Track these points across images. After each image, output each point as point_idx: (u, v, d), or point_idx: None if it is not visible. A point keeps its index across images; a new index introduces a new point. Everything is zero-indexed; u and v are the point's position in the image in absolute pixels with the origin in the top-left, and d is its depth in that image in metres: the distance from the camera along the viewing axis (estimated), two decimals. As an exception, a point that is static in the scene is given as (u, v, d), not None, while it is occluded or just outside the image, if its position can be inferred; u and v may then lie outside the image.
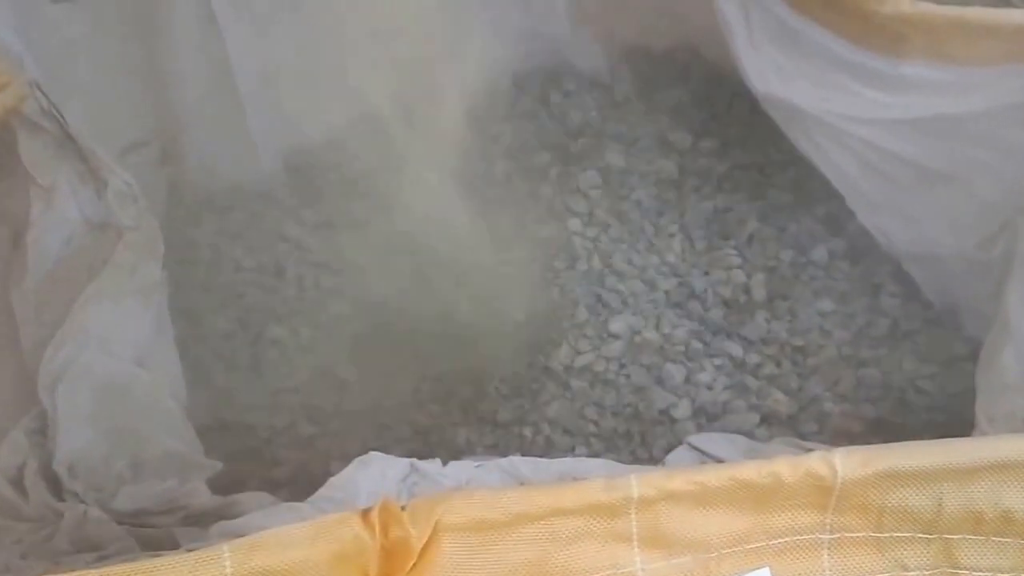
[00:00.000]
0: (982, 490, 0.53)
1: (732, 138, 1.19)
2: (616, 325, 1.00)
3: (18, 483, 0.80)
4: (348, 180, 1.21)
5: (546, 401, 0.97)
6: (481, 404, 0.99)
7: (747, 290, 1.02)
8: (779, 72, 0.99)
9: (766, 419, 0.93)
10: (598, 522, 0.51)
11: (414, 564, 0.51)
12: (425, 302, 1.06)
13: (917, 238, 1.03)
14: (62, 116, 0.82)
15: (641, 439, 0.93)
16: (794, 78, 0.98)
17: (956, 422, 0.91)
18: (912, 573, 0.55)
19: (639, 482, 0.50)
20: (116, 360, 0.85)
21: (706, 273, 1.04)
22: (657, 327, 0.99)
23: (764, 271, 1.04)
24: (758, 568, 0.53)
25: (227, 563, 0.46)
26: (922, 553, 0.55)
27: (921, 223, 1.01)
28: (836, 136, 0.99)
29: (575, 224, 1.12)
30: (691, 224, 1.09)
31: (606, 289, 1.03)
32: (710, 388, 0.94)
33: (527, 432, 0.95)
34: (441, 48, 1.06)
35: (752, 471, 0.51)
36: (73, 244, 0.86)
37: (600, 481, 0.50)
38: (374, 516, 0.51)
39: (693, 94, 1.25)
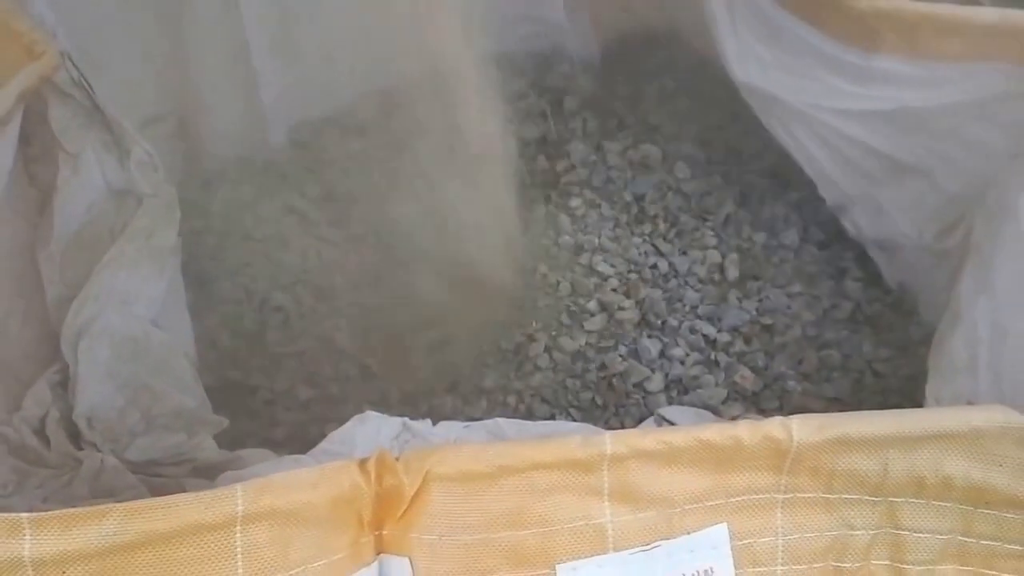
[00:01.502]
0: (925, 457, 0.55)
1: (714, 124, 1.21)
2: (597, 301, 1.02)
3: (40, 432, 0.83)
4: (351, 155, 1.22)
5: (529, 372, 0.99)
6: (468, 373, 1.01)
7: (721, 269, 1.04)
8: (758, 62, 1.01)
9: (733, 394, 0.95)
10: (573, 476, 0.53)
11: (405, 510, 0.54)
12: (418, 276, 1.08)
13: (881, 226, 1.05)
14: (90, 87, 0.84)
15: (615, 410, 0.95)
16: (772, 68, 0.99)
17: (908, 404, 0.94)
18: (858, 532, 0.57)
19: (612, 440, 0.52)
20: (133, 320, 0.87)
21: (684, 252, 1.06)
22: (637, 303, 1.01)
23: (738, 252, 1.06)
24: (717, 524, 0.55)
25: (239, 501, 0.49)
26: (868, 514, 0.57)
27: (886, 212, 1.03)
28: (809, 125, 1.01)
29: (564, 202, 1.14)
30: (672, 205, 1.11)
31: (590, 265, 1.06)
32: (682, 363, 0.96)
33: (511, 400, 0.97)
34: (443, 30, 1.08)
35: (715, 433, 0.53)
36: (96, 209, 0.88)
37: (577, 438, 0.53)
38: (370, 465, 0.53)
39: (679, 81, 1.26)
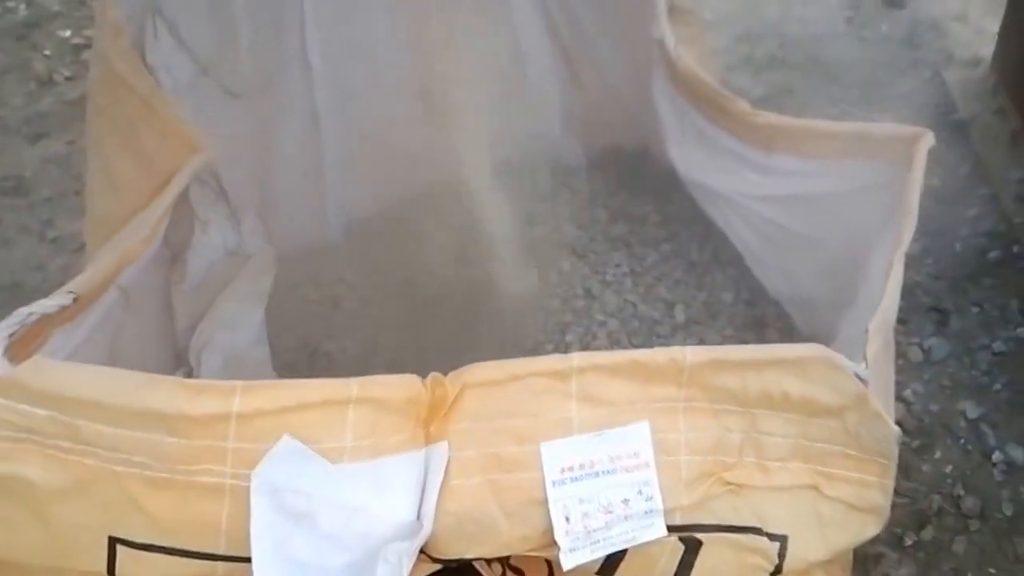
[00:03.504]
0: (770, 377, 0.85)
1: (671, 212, 1.59)
2: (575, 335, 1.37)
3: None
4: (393, 241, 1.58)
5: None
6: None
7: (671, 315, 1.40)
8: (696, 161, 1.38)
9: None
10: (554, 383, 0.84)
11: (447, 411, 0.86)
12: (444, 324, 1.42)
13: (793, 286, 1.39)
14: (219, 174, 1.22)
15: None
16: (705, 165, 1.36)
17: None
18: (733, 434, 0.87)
19: (579, 357, 0.84)
20: (238, 341, 1.23)
21: (645, 303, 1.42)
22: (608, 336, 1.36)
23: (684, 304, 1.42)
24: (642, 421, 0.85)
25: (354, 389, 0.82)
26: (738, 421, 0.87)
27: (795, 274, 1.38)
28: (734, 208, 1.37)
29: (556, 265, 1.51)
30: (638, 269, 1.48)
31: (572, 309, 1.42)
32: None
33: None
34: (466, 145, 1.46)
35: (640, 354, 0.85)
36: (216, 263, 1.24)
37: (557, 356, 0.85)
38: (428, 380, 0.87)
39: (645, 180, 1.65)
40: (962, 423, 1.39)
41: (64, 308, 0.89)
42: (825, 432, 0.89)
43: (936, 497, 1.30)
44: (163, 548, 0.82)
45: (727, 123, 1.31)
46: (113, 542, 0.82)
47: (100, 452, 0.80)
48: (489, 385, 0.86)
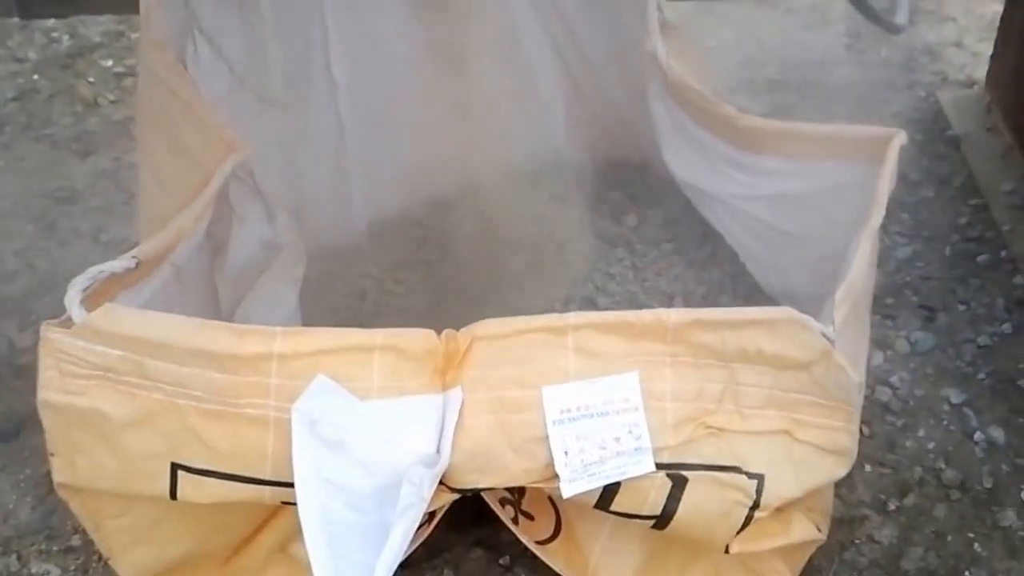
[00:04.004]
0: (746, 336, 0.96)
1: (671, 214, 1.72)
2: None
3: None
4: (413, 239, 1.73)
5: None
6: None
7: (671, 305, 1.52)
8: (689, 165, 1.50)
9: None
10: (552, 337, 0.96)
11: (460, 361, 0.98)
12: (459, 326, 1.54)
13: (784, 281, 1.50)
14: (254, 174, 1.36)
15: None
16: (698, 168, 1.49)
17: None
18: (714, 384, 0.97)
19: (575, 316, 0.96)
20: (276, 318, 1.36)
21: (645, 294, 1.56)
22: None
23: (683, 295, 1.55)
24: (632, 371, 0.96)
25: (379, 338, 0.95)
26: (719, 374, 0.97)
27: (785, 270, 1.48)
28: (727, 209, 1.49)
29: (562, 259, 1.65)
30: (639, 265, 1.62)
31: (578, 298, 1.55)
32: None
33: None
34: (479, 153, 1.60)
35: (629, 315, 0.96)
36: (253, 253, 1.37)
37: (555, 315, 0.97)
38: (443, 335, 1.00)
39: (646, 185, 1.79)
40: (946, 407, 1.48)
41: (128, 271, 1.03)
42: (796, 383, 1.00)
43: (918, 469, 1.39)
44: (218, 473, 0.95)
45: (716, 127, 1.43)
46: (175, 468, 0.95)
47: (164, 387, 0.94)
48: (496, 338, 0.98)
